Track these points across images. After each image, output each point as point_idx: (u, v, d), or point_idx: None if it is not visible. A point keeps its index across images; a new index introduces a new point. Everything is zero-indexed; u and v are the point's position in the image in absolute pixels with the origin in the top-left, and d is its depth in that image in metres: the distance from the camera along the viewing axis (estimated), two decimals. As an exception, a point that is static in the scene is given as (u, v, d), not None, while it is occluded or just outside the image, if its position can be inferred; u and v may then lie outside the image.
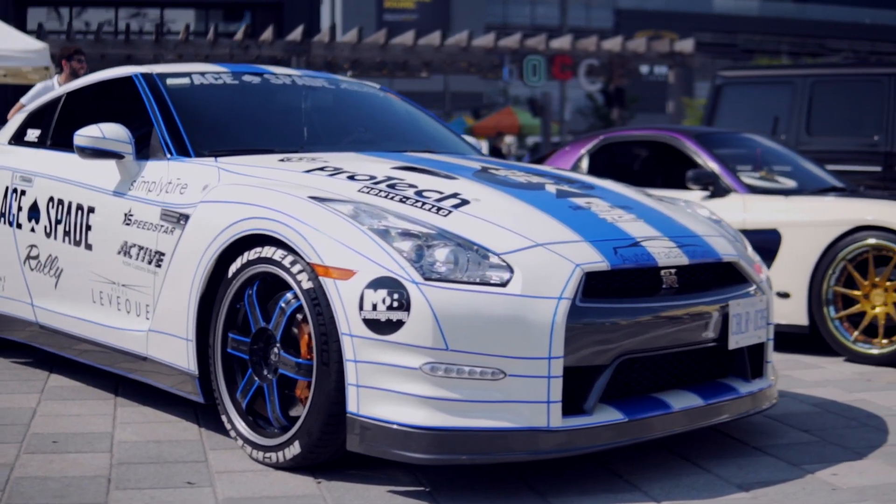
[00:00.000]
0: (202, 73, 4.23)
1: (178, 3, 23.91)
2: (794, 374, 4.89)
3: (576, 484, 3.14)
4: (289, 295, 3.19)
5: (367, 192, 3.27)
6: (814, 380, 4.78)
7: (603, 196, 3.55)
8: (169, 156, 3.85)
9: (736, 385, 3.44)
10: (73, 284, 4.15)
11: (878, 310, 5.11)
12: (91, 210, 4.06)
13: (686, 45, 17.58)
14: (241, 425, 3.34)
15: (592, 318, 2.99)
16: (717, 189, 5.65)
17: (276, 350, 3.24)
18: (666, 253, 3.24)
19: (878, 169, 8.23)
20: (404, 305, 2.88)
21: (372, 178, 3.39)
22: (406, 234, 3.00)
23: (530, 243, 3.05)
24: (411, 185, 3.33)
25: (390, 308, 2.89)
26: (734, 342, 3.34)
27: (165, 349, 3.63)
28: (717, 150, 5.85)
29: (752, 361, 3.53)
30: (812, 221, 5.26)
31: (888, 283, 5.09)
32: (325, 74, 4.59)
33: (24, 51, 10.16)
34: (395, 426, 2.89)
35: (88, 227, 4.06)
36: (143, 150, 3.97)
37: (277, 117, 4.23)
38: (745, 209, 5.51)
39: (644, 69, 24.93)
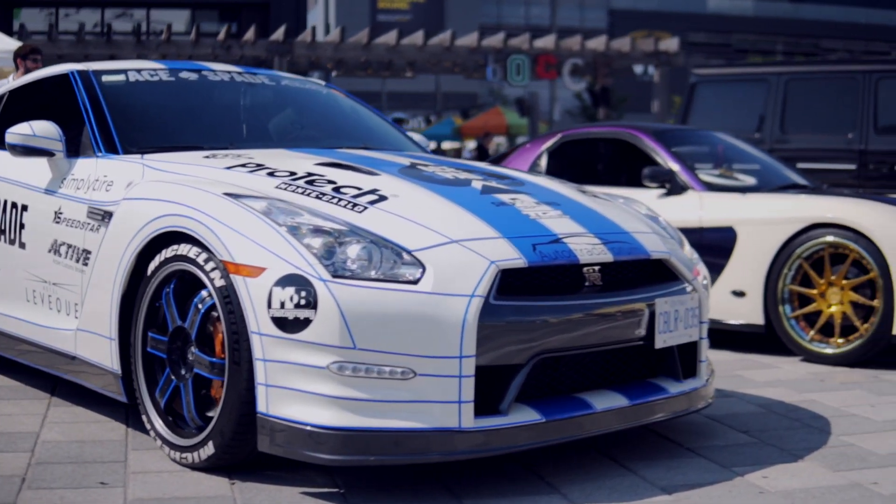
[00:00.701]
0: (139, 70, 4.17)
1: (166, 3, 23.88)
2: (745, 374, 4.81)
3: (494, 485, 3.07)
4: (203, 293, 3.12)
5: (285, 189, 3.21)
6: (764, 380, 4.70)
7: (531, 192, 3.48)
8: (98, 153, 3.80)
9: (666, 385, 3.36)
10: (10, 283, 4.09)
11: (833, 309, 5.03)
12: (24, 208, 4.01)
13: (671, 45, 17.45)
14: (160, 425, 3.28)
15: (507, 316, 2.92)
16: (673, 186, 5.56)
17: (192, 349, 3.18)
18: (589, 250, 3.16)
19: (853, 167, 8.15)
20: (311, 303, 2.81)
21: (292, 174, 3.32)
22: (318, 231, 2.94)
23: (445, 240, 2.98)
24: (330, 182, 3.26)
25: (298, 306, 2.82)
26: (661, 341, 3.27)
27: (92, 348, 3.57)
28: (675, 148, 5.77)
29: (684, 361, 3.46)
30: (767, 219, 5.18)
31: (844, 282, 5.00)
32: (267, 71, 4.52)
33: (4, 51, 10.15)
34: (303, 426, 2.83)
35: (22, 226, 4.01)
36: (78, 147, 3.92)
37: (211, 114, 4.16)
38: (701, 207, 5.43)
39: (638, 69, 24.84)
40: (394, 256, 2.91)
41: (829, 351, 5.01)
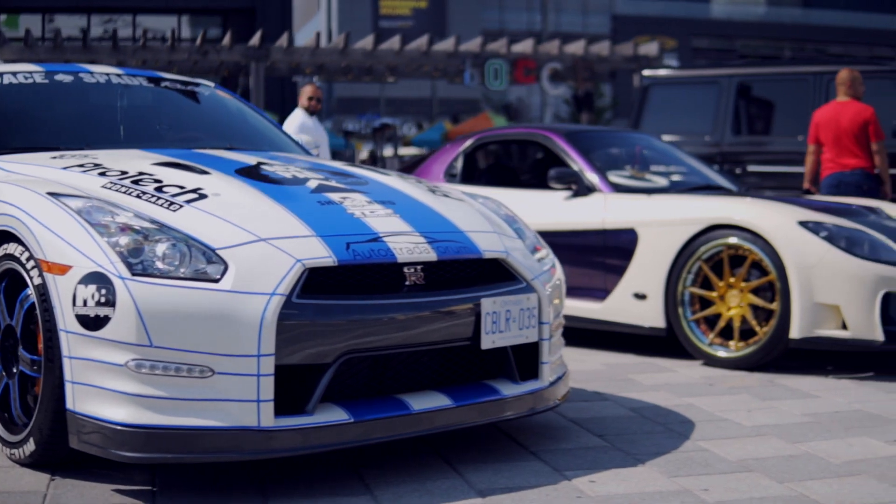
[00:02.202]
0: (14, 73, 4.18)
1: (153, 9, 24.07)
2: (636, 378, 4.75)
3: (308, 485, 3.04)
4: (27, 291, 3.12)
5: (109, 188, 3.20)
6: (652, 383, 4.63)
7: (369, 191, 3.45)
8: None
9: (500, 387, 3.32)
10: None
11: (733, 312, 4.95)
12: None
13: (651, 49, 17.32)
14: (-6, 421, 3.28)
15: (311, 315, 2.89)
16: (579, 188, 5.50)
17: (19, 347, 3.18)
18: (410, 249, 3.13)
19: (803, 170, 8.04)
20: (111, 301, 2.81)
21: (123, 173, 3.32)
22: (126, 229, 2.93)
23: (253, 238, 2.96)
24: (157, 181, 3.25)
25: (98, 304, 2.82)
26: (490, 342, 3.22)
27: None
28: (587, 149, 5.71)
29: (526, 362, 3.41)
30: (667, 220, 5.11)
31: (743, 284, 4.92)
32: (150, 73, 4.52)
33: None
34: (106, 424, 2.82)
35: None
36: None
37: (76, 115, 4.15)
38: (605, 208, 5.36)
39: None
40: (199, 255, 2.90)
41: (726, 354, 4.93)
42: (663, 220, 5.11)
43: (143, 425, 2.79)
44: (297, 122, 8.49)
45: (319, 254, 2.97)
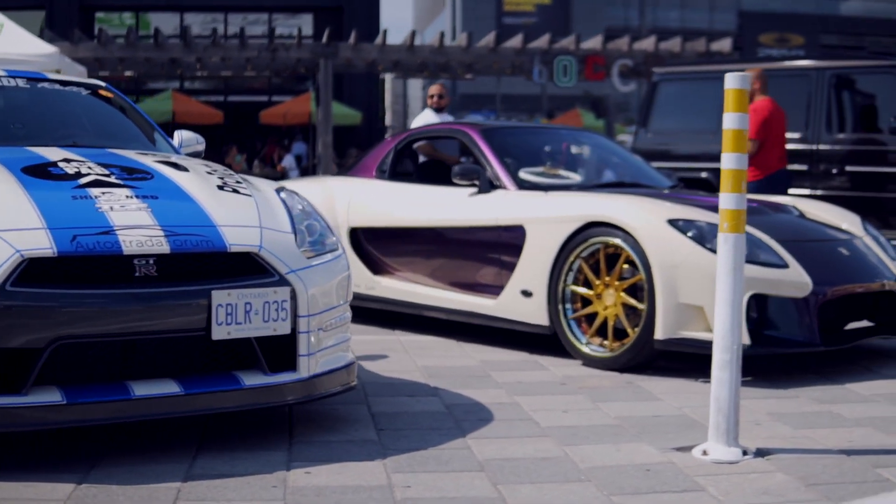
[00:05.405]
0: None
1: (242, 7, 24.87)
2: (494, 376, 4.71)
3: (37, 459, 3.24)
4: None
5: None
6: (504, 381, 4.59)
7: (142, 187, 3.61)
8: None
9: (244, 377, 3.42)
10: None
11: (609, 311, 4.83)
12: None
13: (724, 45, 16.71)
14: None
15: (22, 302, 3.09)
16: (482, 184, 5.47)
17: None
18: (140, 242, 3.28)
19: (805, 168, 7.68)
20: None
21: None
22: None
23: (-16, 231, 3.19)
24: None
25: None
26: (223, 333, 3.32)
27: None
28: (501, 146, 5.67)
29: (282, 354, 3.50)
30: (551, 217, 5.03)
31: (617, 283, 4.80)
32: (32, 73, 4.84)
33: (35, 55, 10.85)
34: None
35: None
36: None
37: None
38: (501, 205, 5.32)
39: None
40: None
41: (597, 354, 4.83)
42: (547, 218, 5.04)
43: None
44: (421, 120, 9.05)
45: (41, 245, 3.17)
